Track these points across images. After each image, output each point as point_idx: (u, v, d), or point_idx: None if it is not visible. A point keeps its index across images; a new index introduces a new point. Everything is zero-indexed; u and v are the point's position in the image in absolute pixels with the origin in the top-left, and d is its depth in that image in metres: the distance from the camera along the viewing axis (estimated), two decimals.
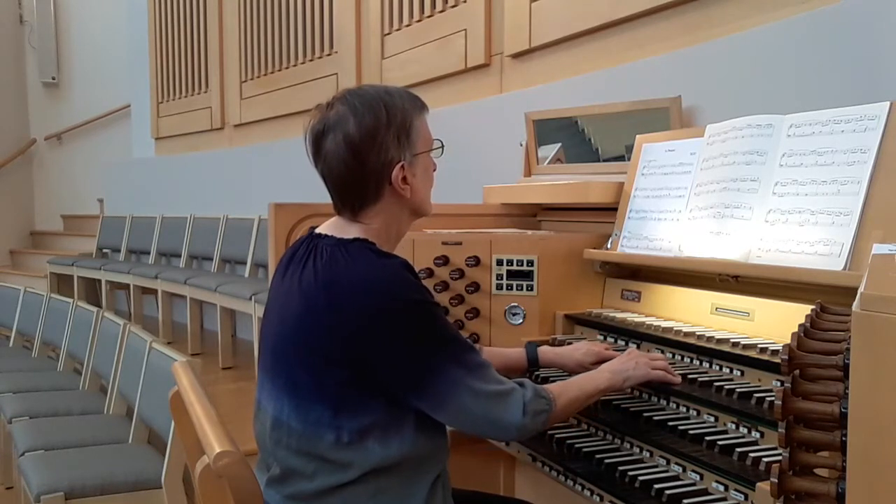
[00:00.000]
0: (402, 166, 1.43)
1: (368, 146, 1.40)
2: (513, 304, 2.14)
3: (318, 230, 1.51)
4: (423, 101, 1.51)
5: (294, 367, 1.40)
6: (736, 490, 1.34)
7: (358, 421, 1.35)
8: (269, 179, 5.32)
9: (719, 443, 1.44)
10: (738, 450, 1.39)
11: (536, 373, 1.89)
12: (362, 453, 1.36)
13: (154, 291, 5.67)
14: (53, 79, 8.69)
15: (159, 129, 7.13)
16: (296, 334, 1.40)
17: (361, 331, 1.34)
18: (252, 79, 5.83)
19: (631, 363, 1.62)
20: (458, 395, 1.36)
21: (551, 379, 1.79)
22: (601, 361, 1.73)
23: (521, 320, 2.13)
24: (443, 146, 1.54)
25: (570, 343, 1.95)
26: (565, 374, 1.84)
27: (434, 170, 1.55)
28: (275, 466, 1.44)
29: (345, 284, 1.36)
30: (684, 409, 1.61)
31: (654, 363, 1.63)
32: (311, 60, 5.16)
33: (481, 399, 1.37)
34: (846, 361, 0.83)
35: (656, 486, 1.41)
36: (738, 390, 1.53)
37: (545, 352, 1.83)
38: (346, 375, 1.35)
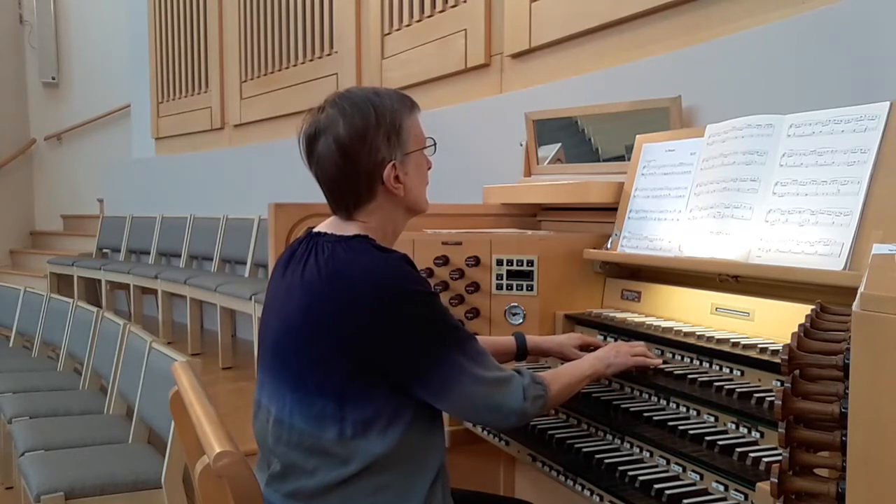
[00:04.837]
0: (394, 165, 1.46)
1: (358, 147, 1.43)
2: (513, 304, 2.14)
3: (316, 229, 1.53)
4: (413, 101, 1.53)
5: (297, 361, 1.41)
6: (736, 490, 1.34)
7: (362, 412, 1.37)
8: (269, 179, 5.31)
9: (719, 443, 1.44)
10: (738, 450, 1.40)
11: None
12: (364, 446, 1.37)
13: (154, 291, 5.67)
14: (53, 79, 8.69)
15: (159, 128, 7.13)
16: (298, 329, 1.41)
17: (365, 322, 1.35)
18: (252, 79, 5.84)
19: (612, 352, 1.74)
20: (461, 383, 1.39)
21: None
22: (583, 344, 1.87)
23: (521, 320, 2.13)
24: (435, 144, 1.57)
25: None
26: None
27: (429, 167, 1.57)
28: (275, 463, 1.44)
29: (348, 277, 1.38)
30: (684, 409, 1.62)
31: (634, 350, 1.73)
32: (311, 60, 5.17)
33: (483, 385, 1.41)
34: (846, 361, 0.83)
35: (656, 486, 1.41)
36: (738, 390, 1.53)
37: (532, 338, 1.91)
38: (349, 367, 1.36)
